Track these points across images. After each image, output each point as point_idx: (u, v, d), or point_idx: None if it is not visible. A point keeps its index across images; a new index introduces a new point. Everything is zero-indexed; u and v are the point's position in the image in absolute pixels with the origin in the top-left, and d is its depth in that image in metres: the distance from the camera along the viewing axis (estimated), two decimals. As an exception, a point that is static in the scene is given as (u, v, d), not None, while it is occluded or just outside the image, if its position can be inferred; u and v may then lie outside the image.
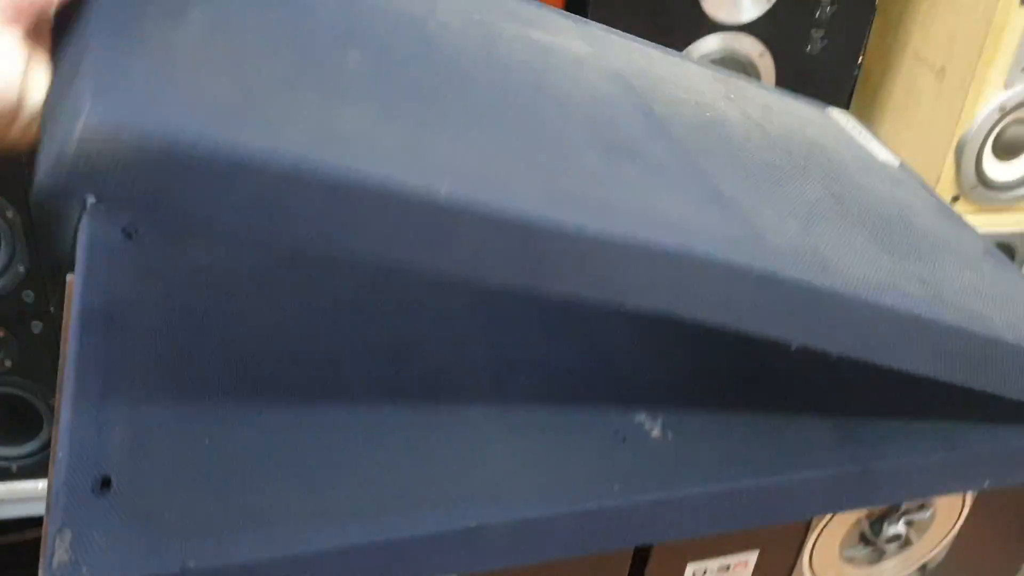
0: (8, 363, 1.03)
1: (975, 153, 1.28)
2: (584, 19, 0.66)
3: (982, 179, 1.31)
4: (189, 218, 0.34)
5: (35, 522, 1.17)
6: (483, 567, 0.46)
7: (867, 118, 1.45)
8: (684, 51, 1.21)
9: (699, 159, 0.51)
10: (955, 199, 1.32)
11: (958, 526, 0.63)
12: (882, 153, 0.68)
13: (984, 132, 1.26)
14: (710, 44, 1.22)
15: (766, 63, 1.26)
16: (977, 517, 0.63)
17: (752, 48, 1.24)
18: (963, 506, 0.61)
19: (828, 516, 0.58)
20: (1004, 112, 1.25)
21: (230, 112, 0.35)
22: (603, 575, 0.54)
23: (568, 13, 0.66)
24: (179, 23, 0.39)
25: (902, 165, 0.68)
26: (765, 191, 0.52)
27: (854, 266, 0.48)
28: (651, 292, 0.42)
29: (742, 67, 1.24)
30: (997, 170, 1.32)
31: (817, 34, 1.27)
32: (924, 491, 0.54)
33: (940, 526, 0.62)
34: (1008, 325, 0.50)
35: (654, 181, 0.47)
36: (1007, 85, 1.24)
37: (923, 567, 0.65)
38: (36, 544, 0.61)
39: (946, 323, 0.48)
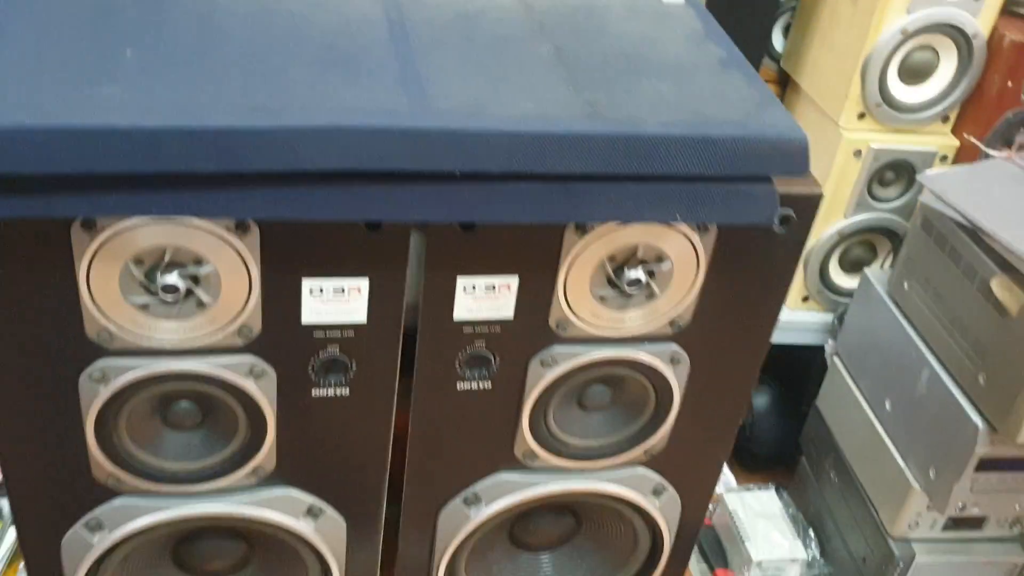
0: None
1: (878, 72, 1.40)
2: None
3: (886, 99, 1.43)
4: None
5: None
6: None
7: (801, 42, 1.57)
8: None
9: (420, 55, 0.68)
10: (861, 116, 1.45)
11: (698, 283, 0.77)
12: (671, -4, 0.82)
13: (886, 53, 1.39)
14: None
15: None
16: (717, 278, 0.77)
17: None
18: (698, 263, 0.76)
19: (574, 252, 0.72)
20: (906, 35, 1.38)
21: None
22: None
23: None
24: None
25: (687, 2, 0.82)
26: (472, 63, 0.68)
27: (515, 106, 0.64)
28: (328, 160, 0.60)
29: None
30: (902, 92, 1.45)
31: (743, -44, 1.40)
32: (620, 214, 0.68)
33: (680, 281, 0.77)
34: (664, 123, 0.65)
35: (354, 81, 0.63)
36: (909, 10, 1.36)
37: (672, 323, 0.80)
38: None
39: (581, 132, 0.63)
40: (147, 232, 0.64)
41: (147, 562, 0.87)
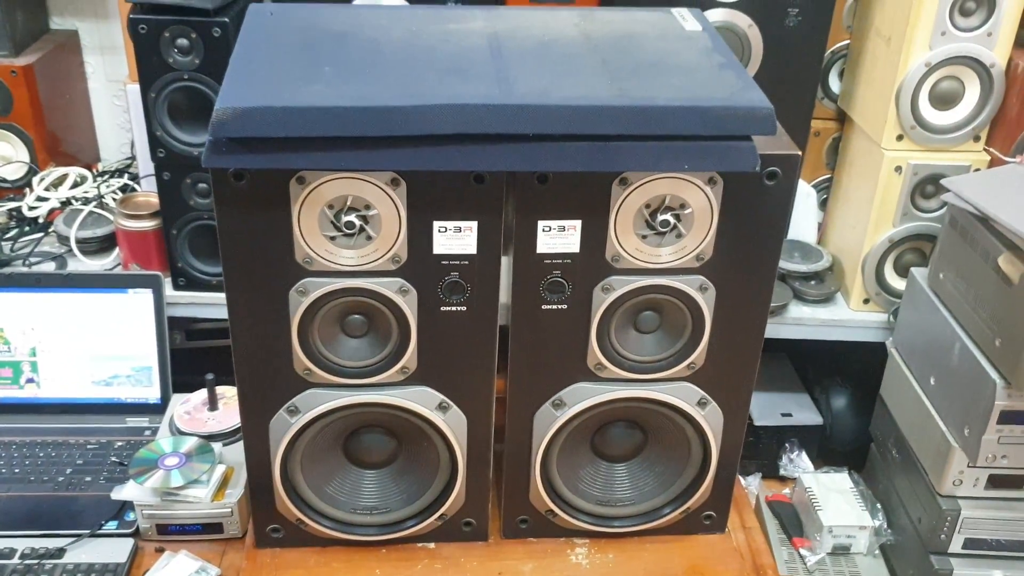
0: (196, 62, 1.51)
1: (909, 98, 1.68)
2: (496, 7, 1.22)
3: (919, 121, 1.70)
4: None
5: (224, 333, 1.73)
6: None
7: (851, 82, 1.86)
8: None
9: (510, 65, 1.02)
10: (899, 138, 1.71)
11: (714, 226, 1.07)
12: (691, 26, 1.14)
13: (915, 81, 1.66)
14: (714, 16, 1.68)
15: (754, 33, 1.71)
16: (727, 222, 1.07)
17: (743, 21, 1.70)
18: (712, 210, 1.06)
19: (619, 201, 1.04)
20: (929, 67, 1.65)
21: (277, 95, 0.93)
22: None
23: (488, 7, 1.22)
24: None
25: (704, 29, 1.14)
26: (544, 68, 1.02)
27: (570, 91, 0.97)
28: (450, 126, 0.94)
29: (736, 36, 1.70)
30: (934, 116, 1.71)
31: (792, 12, 1.71)
32: (645, 164, 0.99)
33: (700, 224, 1.07)
34: (670, 99, 0.96)
35: (466, 80, 0.99)
36: (931, 46, 1.64)
37: (698, 257, 1.09)
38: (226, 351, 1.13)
39: (612, 105, 0.95)
40: (336, 185, 1.00)
41: (325, 448, 1.21)
